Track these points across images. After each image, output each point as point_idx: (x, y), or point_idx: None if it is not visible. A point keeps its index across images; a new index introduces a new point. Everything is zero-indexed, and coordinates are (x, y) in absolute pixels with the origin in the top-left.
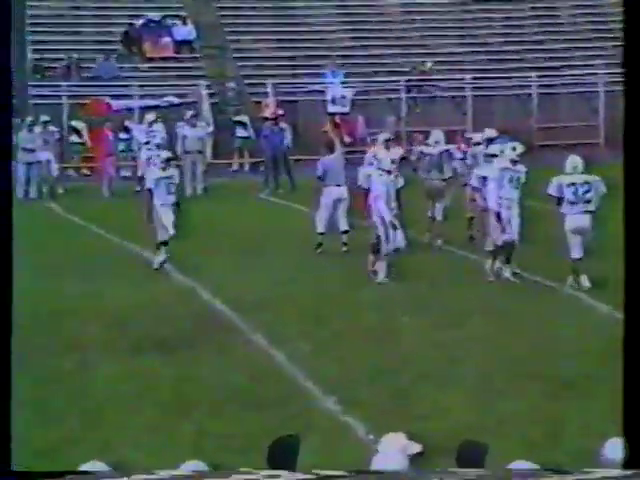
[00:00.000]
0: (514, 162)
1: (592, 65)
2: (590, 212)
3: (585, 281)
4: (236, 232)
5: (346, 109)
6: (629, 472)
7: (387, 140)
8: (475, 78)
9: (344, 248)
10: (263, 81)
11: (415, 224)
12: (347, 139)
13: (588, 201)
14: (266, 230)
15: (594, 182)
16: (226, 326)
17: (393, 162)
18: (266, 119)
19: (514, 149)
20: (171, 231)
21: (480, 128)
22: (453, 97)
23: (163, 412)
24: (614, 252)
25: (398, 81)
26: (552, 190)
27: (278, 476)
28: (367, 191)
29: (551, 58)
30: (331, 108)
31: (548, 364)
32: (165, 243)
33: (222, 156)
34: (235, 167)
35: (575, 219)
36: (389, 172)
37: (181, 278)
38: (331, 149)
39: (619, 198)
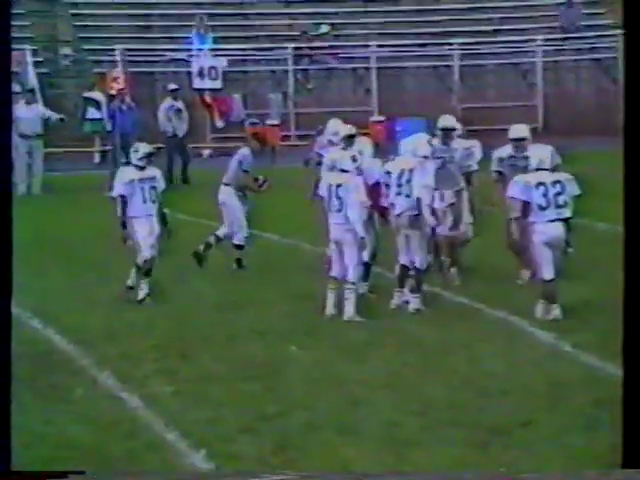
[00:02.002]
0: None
1: (528, 30)
2: (564, 219)
3: (557, 310)
4: (76, 242)
5: (218, 84)
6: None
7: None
8: (381, 46)
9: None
10: (109, 47)
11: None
12: (219, 122)
13: (561, 205)
14: (114, 240)
15: (566, 181)
16: (62, 363)
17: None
18: (113, 96)
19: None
20: (146, 253)
21: (387, 109)
22: (354, 70)
23: None
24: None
25: (284, 48)
26: (517, 192)
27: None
28: None
29: (476, 21)
30: (198, 83)
31: (472, 407)
32: (145, 270)
33: (59, 144)
34: (97, 158)
35: (548, 228)
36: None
37: None
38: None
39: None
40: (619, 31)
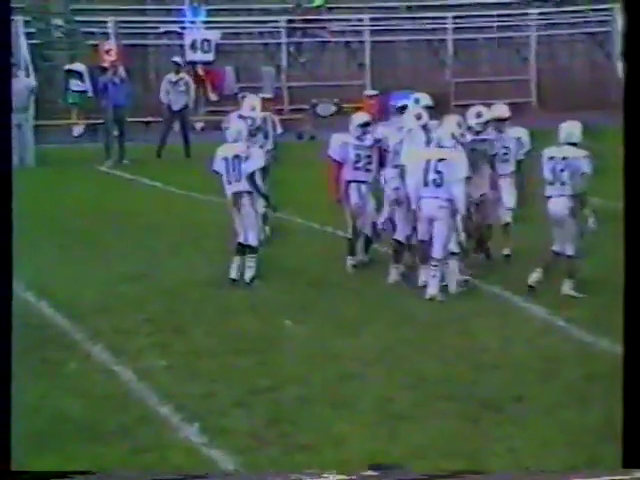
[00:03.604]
0: (423, 126)
1: (521, 3)
2: (566, 196)
3: (567, 288)
4: (69, 215)
5: (210, 57)
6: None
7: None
8: (375, 19)
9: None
10: (102, 18)
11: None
12: (213, 95)
13: (564, 182)
14: (107, 213)
15: (573, 159)
16: (55, 337)
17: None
18: (105, 68)
19: (417, 101)
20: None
21: (380, 83)
22: (348, 43)
23: None
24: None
25: (277, 22)
26: (541, 166)
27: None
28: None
29: None
30: (191, 55)
31: (465, 381)
32: (242, 250)
33: (51, 116)
34: (76, 131)
35: (550, 204)
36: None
37: None
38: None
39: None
40: (613, 5)
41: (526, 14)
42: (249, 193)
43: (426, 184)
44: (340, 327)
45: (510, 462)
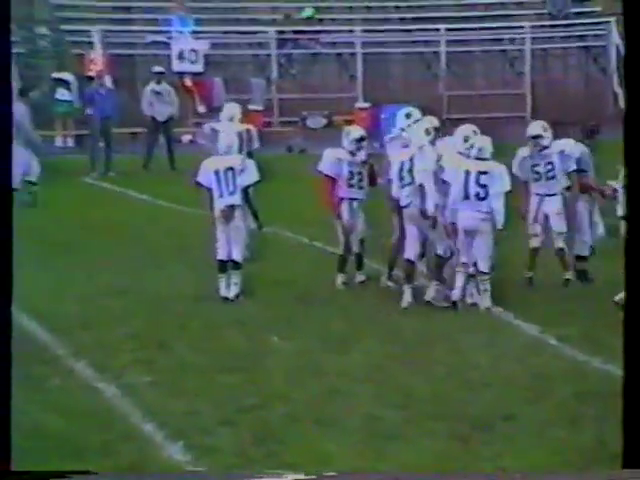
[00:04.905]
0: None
1: (517, 16)
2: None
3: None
4: (52, 228)
5: (198, 67)
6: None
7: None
8: (367, 31)
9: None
10: (87, 27)
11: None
12: (201, 107)
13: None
14: (92, 225)
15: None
16: (37, 351)
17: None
18: (91, 78)
19: (408, 116)
20: (221, 253)
21: (372, 95)
22: (339, 55)
23: None
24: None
25: (267, 32)
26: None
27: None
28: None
29: (463, 7)
30: (178, 66)
31: (455, 400)
32: (225, 267)
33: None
34: (60, 142)
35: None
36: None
37: None
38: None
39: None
40: (608, 18)
41: (520, 27)
42: (241, 207)
43: (467, 197)
44: (328, 343)
45: None
